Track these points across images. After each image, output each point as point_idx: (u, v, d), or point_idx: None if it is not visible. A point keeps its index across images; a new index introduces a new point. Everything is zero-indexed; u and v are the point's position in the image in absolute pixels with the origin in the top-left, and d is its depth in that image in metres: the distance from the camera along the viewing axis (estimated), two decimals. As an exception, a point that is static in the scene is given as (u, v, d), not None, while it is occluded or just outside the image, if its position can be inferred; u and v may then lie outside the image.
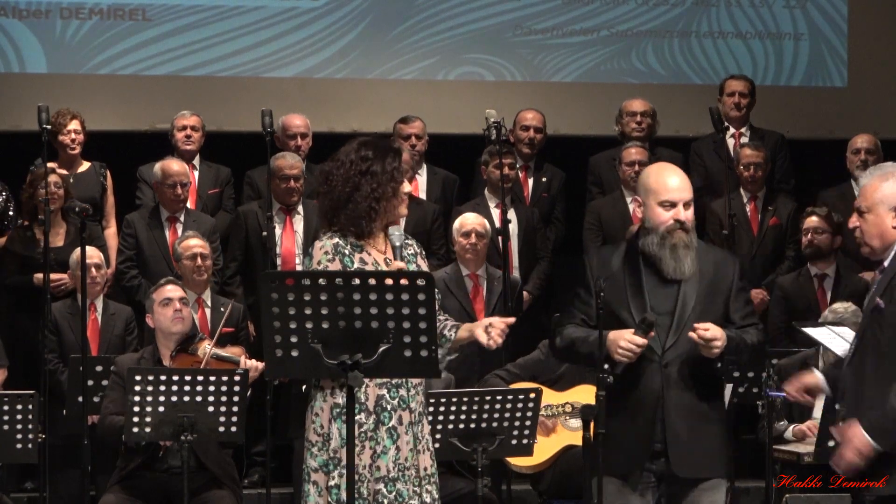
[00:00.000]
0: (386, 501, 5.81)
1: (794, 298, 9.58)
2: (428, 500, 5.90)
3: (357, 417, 5.77)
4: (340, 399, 5.81)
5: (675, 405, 5.90)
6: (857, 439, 5.57)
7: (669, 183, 5.97)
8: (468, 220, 9.24)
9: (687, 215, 5.95)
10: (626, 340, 5.83)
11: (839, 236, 9.74)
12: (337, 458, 5.79)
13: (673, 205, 5.94)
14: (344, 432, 5.74)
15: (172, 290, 8.03)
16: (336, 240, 5.88)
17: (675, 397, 5.90)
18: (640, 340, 5.82)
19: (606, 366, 5.90)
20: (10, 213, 9.65)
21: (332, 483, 5.79)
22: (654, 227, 5.95)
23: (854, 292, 9.59)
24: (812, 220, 9.69)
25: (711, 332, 5.83)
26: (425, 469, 5.92)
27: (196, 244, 9.07)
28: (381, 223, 5.94)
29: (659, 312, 5.91)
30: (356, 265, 5.85)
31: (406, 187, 5.97)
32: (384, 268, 5.86)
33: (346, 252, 5.86)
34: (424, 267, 6.08)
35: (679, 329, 5.92)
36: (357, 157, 5.95)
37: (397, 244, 5.92)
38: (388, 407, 5.85)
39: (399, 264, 5.86)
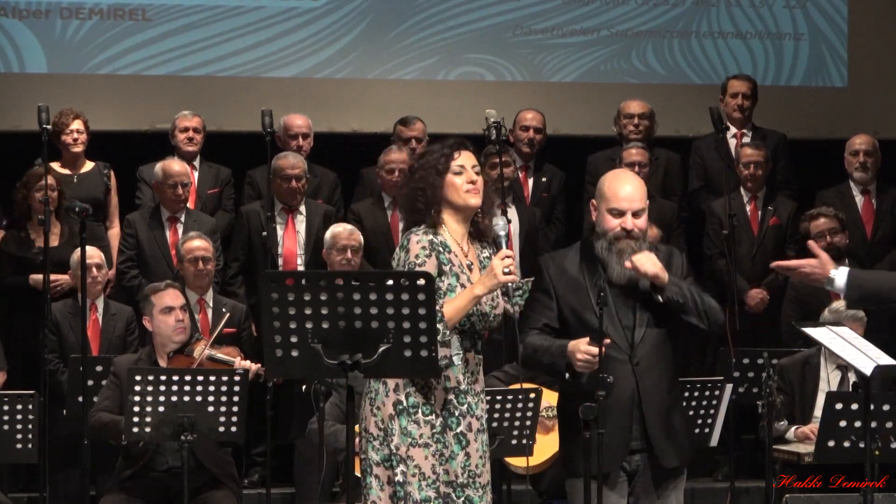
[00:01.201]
0: None
1: (808, 299, 9.57)
2: None
3: (429, 418, 5.85)
4: (403, 396, 5.85)
5: (650, 401, 5.98)
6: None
7: (620, 191, 6.05)
8: None
9: (637, 223, 6.02)
10: (581, 353, 5.86)
11: (847, 231, 9.75)
12: (399, 456, 5.82)
13: (622, 213, 6.01)
14: (413, 431, 5.83)
15: (174, 298, 7.98)
16: (431, 236, 5.92)
17: (648, 393, 5.98)
18: (594, 350, 5.84)
19: (567, 375, 5.95)
20: None
21: (398, 479, 5.83)
22: (603, 232, 6.04)
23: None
24: (823, 222, 9.64)
25: (639, 259, 5.92)
26: (488, 480, 5.99)
27: (199, 246, 9.05)
28: (448, 216, 5.97)
29: (621, 311, 6.00)
30: (447, 266, 5.90)
31: (469, 177, 5.96)
32: (468, 275, 5.93)
33: (440, 250, 5.91)
34: None
35: (644, 325, 6.01)
36: (421, 153, 6.15)
37: (501, 234, 5.94)
38: (456, 413, 5.89)
39: (506, 252, 5.85)
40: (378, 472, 5.87)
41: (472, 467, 5.90)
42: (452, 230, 5.99)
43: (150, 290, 8.13)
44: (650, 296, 5.99)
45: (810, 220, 9.71)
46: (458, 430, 5.89)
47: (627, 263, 5.92)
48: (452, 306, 5.80)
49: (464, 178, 5.97)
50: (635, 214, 6.02)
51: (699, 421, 7.89)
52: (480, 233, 6.06)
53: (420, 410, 5.84)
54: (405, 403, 5.84)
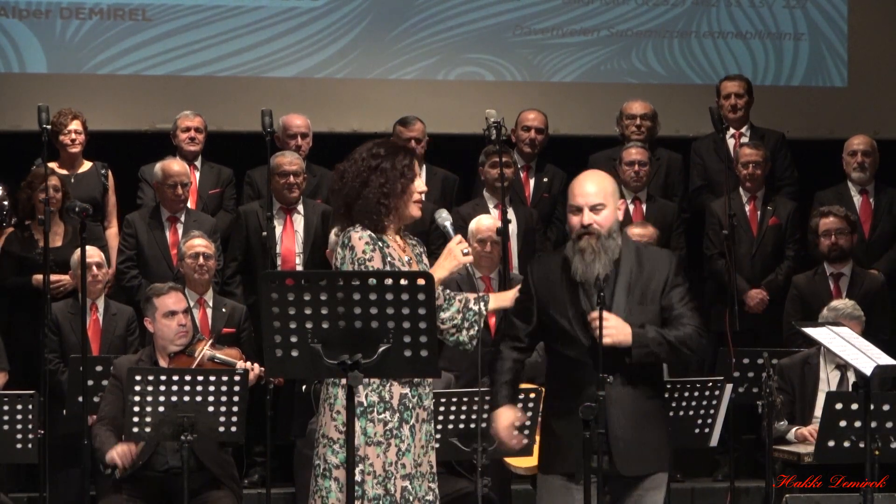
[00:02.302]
0: (412, 497, 5.96)
1: (810, 298, 9.58)
2: (431, 497, 6.04)
3: (383, 416, 5.94)
4: (363, 398, 5.91)
5: (615, 410, 5.92)
6: None
7: (577, 188, 6.03)
8: (483, 226, 9.09)
9: (596, 219, 5.96)
10: (499, 433, 6.05)
11: (855, 234, 9.75)
12: (358, 456, 5.89)
13: (579, 209, 5.99)
14: (369, 430, 5.92)
15: (176, 302, 7.96)
16: (370, 231, 5.99)
17: (613, 402, 5.91)
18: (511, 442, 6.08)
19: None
20: (6, 206, 9.62)
21: (356, 479, 5.86)
22: (569, 231, 6.06)
23: (870, 289, 9.60)
24: (832, 221, 9.63)
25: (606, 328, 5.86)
26: (432, 466, 6.07)
27: (199, 244, 9.07)
28: (394, 222, 6.07)
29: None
30: (388, 259, 5.97)
31: (419, 187, 6.10)
32: (409, 269, 5.99)
33: (380, 245, 5.98)
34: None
35: None
36: (368, 154, 6.09)
37: (447, 223, 6.05)
38: (410, 405, 5.99)
39: (458, 237, 6.00)
40: (338, 475, 5.95)
41: (415, 457, 6.00)
42: (392, 227, 6.09)
43: (152, 292, 8.09)
44: (625, 304, 5.96)
45: (821, 216, 9.68)
46: (412, 423, 6.00)
47: (592, 322, 5.87)
48: None
49: (417, 186, 6.08)
50: (594, 209, 5.97)
51: (699, 421, 7.89)
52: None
53: (375, 409, 5.95)
54: (364, 404, 5.94)
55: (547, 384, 6.21)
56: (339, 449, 5.92)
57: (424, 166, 10.43)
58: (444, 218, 6.12)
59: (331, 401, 5.98)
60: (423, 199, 6.16)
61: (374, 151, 6.09)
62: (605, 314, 5.84)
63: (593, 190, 5.99)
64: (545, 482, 6.08)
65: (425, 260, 6.20)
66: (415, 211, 6.11)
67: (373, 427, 5.94)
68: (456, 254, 5.97)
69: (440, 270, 5.97)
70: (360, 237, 5.98)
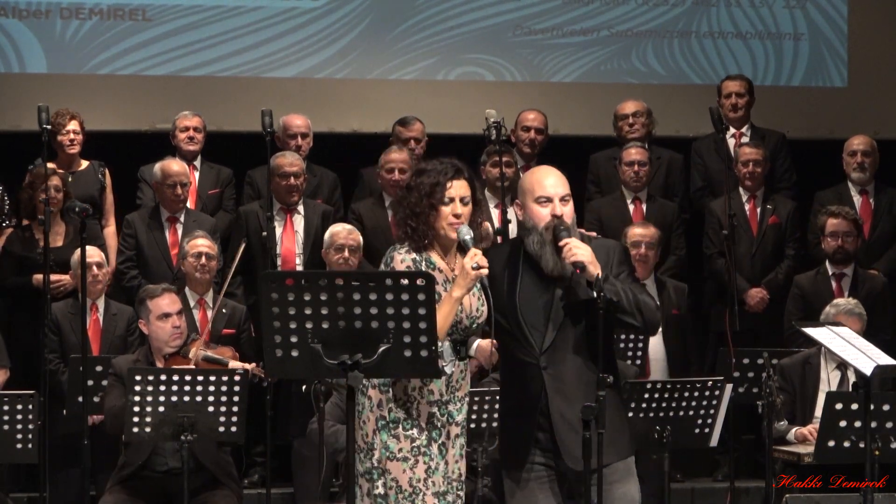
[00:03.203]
0: None
1: (812, 297, 9.57)
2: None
3: (410, 433, 5.87)
4: (386, 412, 5.86)
5: (560, 404, 5.86)
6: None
7: (544, 180, 5.98)
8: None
9: (564, 210, 5.93)
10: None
11: (860, 237, 9.74)
12: (380, 469, 5.86)
13: (549, 200, 5.93)
14: (391, 445, 5.86)
15: (170, 304, 7.95)
16: (413, 255, 5.91)
17: (558, 397, 5.87)
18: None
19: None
20: (7, 207, 9.63)
21: (376, 492, 5.87)
22: (534, 225, 5.95)
23: (872, 290, 9.59)
24: (840, 223, 9.60)
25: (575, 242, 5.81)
26: (461, 473, 6.03)
27: (203, 244, 9.07)
28: (434, 242, 5.94)
29: (529, 312, 5.91)
30: None
31: (454, 209, 5.92)
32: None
33: (422, 268, 5.87)
34: None
35: (555, 329, 5.89)
36: (417, 170, 6.03)
37: (467, 237, 5.87)
38: (439, 424, 5.93)
39: (474, 250, 5.83)
40: (361, 483, 5.91)
41: (450, 473, 5.95)
42: (439, 248, 5.98)
43: (146, 294, 8.08)
44: (565, 295, 5.88)
45: (829, 216, 9.66)
46: (441, 441, 5.93)
47: (564, 246, 5.78)
48: (438, 315, 5.73)
49: (450, 210, 5.94)
50: (562, 200, 5.93)
51: (699, 421, 7.90)
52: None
53: (401, 425, 5.87)
54: (388, 418, 5.88)
55: (500, 383, 6.20)
56: (364, 458, 5.87)
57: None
58: (465, 233, 5.92)
59: (358, 409, 5.89)
60: (458, 220, 5.93)
61: (420, 167, 6.03)
62: (576, 241, 5.80)
63: (559, 181, 5.97)
64: (507, 482, 6.04)
65: (484, 282, 5.96)
66: (449, 232, 5.93)
67: (397, 443, 5.86)
68: (467, 268, 5.79)
69: (457, 290, 5.82)
70: (402, 260, 5.89)
